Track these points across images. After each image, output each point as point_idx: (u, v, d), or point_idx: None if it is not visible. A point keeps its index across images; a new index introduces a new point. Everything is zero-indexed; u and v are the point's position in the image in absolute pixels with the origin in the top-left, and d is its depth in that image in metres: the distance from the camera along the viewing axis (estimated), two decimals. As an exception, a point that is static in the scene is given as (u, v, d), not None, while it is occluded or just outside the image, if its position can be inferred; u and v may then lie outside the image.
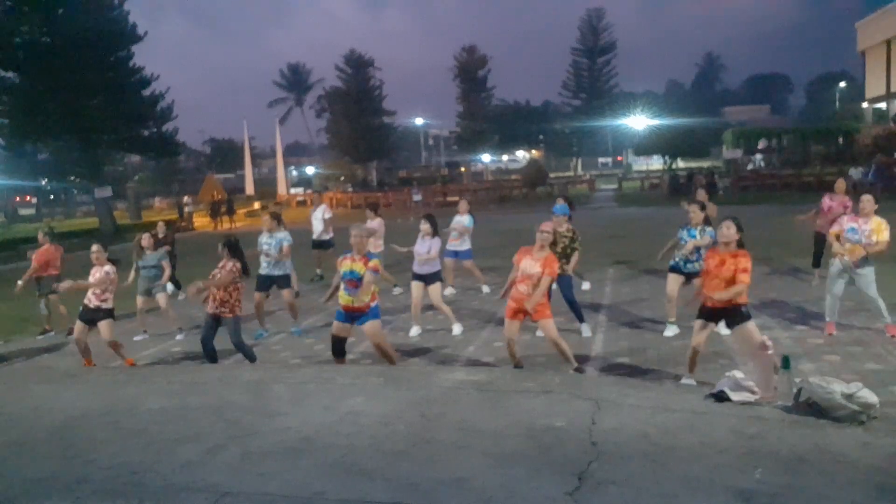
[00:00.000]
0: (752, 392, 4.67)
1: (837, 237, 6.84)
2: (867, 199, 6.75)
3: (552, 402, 4.91)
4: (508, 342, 6.17)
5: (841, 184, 9.33)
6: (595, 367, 6.45)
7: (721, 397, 4.70)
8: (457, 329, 8.09)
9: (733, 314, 5.27)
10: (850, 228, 6.73)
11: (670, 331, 7.33)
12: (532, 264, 5.99)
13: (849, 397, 4.21)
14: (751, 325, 5.25)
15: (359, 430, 4.60)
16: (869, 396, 4.24)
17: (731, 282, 5.16)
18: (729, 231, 5.26)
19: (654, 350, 6.88)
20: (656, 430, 4.28)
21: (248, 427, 4.82)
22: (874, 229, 6.63)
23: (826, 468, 3.65)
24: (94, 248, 7.61)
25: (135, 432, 4.89)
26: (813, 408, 4.36)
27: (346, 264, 6.28)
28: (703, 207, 7.21)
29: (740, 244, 5.31)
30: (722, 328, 6.92)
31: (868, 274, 6.71)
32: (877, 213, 6.77)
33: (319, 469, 4.05)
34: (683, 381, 5.60)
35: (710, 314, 5.39)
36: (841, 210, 8.58)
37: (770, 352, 4.75)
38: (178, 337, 9.00)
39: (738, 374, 4.89)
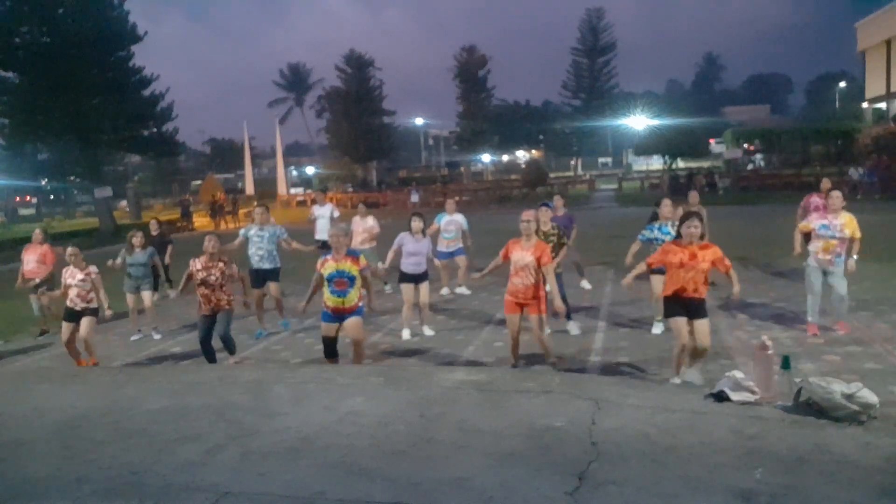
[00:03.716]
0: (752, 392, 4.67)
1: (809, 235, 6.86)
2: (836, 196, 6.85)
3: (552, 402, 4.91)
4: (512, 338, 6.21)
5: (827, 182, 9.43)
6: (595, 367, 6.46)
7: (721, 397, 4.70)
8: (427, 331, 8.10)
9: (702, 306, 5.49)
10: (821, 225, 6.76)
11: (657, 328, 7.46)
12: (523, 255, 6.05)
13: (849, 397, 4.21)
14: (707, 322, 5.52)
15: (359, 430, 4.60)
16: (869, 396, 4.24)
17: (706, 272, 5.47)
18: (697, 230, 5.48)
19: (654, 350, 6.88)
20: (656, 430, 4.28)
21: (248, 427, 4.82)
22: (845, 224, 6.72)
23: (826, 468, 3.65)
24: (71, 249, 7.57)
25: (135, 432, 4.89)
26: (813, 408, 4.36)
27: (329, 265, 6.25)
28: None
29: (701, 236, 5.58)
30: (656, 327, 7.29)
31: (841, 271, 6.77)
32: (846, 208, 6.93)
33: (319, 469, 4.05)
34: (674, 381, 5.60)
35: (688, 307, 5.48)
36: None
37: (770, 352, 4.75)
38: (156, 336, 9.03)
39: (738, 374, 4.88)
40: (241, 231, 8.65)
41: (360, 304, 6.38)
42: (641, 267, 6.03)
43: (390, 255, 8.23)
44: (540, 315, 6.09)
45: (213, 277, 6.84)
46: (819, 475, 3.58)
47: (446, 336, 8.00)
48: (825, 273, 6.77)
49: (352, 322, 6.29)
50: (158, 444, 4.60)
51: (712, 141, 49.06)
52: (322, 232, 12.38)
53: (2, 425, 5.32)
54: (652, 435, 4.21)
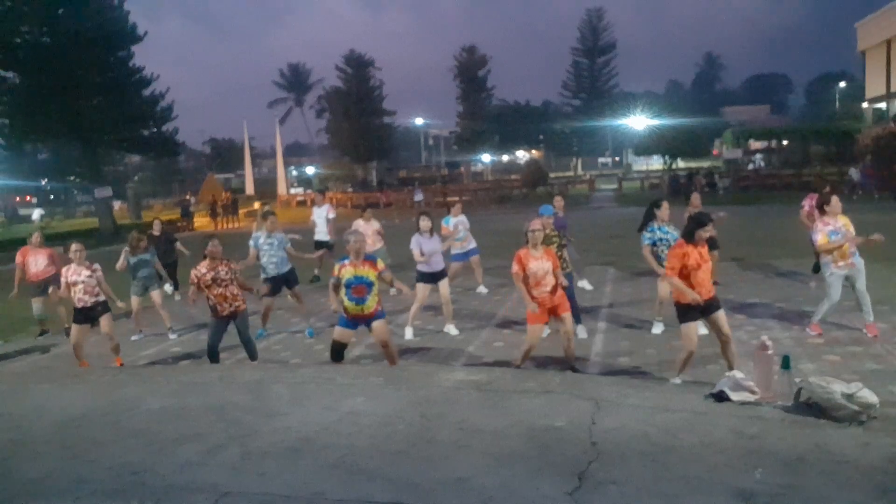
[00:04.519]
0: (752, 392, 4.67)
1: (843, 254, 6.85)
2: (837, 200, 6.95)
3: (552, 402, 4.91)
4: (531, 346, 6.16)
5: (828, 187, 9.51)
6: (595, 367, 6.46)
7: (721, 397, 4.70)
8: (452, 330, 8.09)
9: (716, 300, 5.55)
10: (832, 232, 6.80)
11: (657, 328, 7.51)
12: (540, 264, 6.04)
13: (849, 397, 4.21)
14: (723, 311, 5.61)
15: (359, 430, 4.60)
16: (869, 396, 4.24)
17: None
18: (709, 232, 5.57)
19: (654, 350, 6.88)
20: (656, 430, 4.28)
21: (248, 427, 4.82)
22: (846, 223, 6.86)
23: (826, 468, 3.65)
24: (76, 246, 7.54)
25: (135, 432, 4.89)
26: (813, 408, 4.36)
27: (348, 270, 6.12)
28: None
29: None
30: (701, 328, 7.02)
31: (862, 268, 6.82)
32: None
33: (319, 469, 4.05)
34: (674, 381, 5.59)
35: (705, 308, 5.49)
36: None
37: (770, 352, 4.75)
38: (172, 337, 9.01)
39: (738, 374, 4.88)
40: (251, 242, 8.62)
41: (380, 308, 6.31)
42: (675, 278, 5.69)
43: (419, 257, 7.97)
44: (570, 311, 6.16)
45: (222, 273, 6.83)
46: (819, 475, 3.58)
47: (446, 336, 8.00)
48: (848, 277, 6.80)
49: (377, 326, 6.27)
50: (158, 444, 4.60)
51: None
52: (321, 233, 12.39)
53: (2, 425, 5.32)
54: (652, 435, 4.21)
